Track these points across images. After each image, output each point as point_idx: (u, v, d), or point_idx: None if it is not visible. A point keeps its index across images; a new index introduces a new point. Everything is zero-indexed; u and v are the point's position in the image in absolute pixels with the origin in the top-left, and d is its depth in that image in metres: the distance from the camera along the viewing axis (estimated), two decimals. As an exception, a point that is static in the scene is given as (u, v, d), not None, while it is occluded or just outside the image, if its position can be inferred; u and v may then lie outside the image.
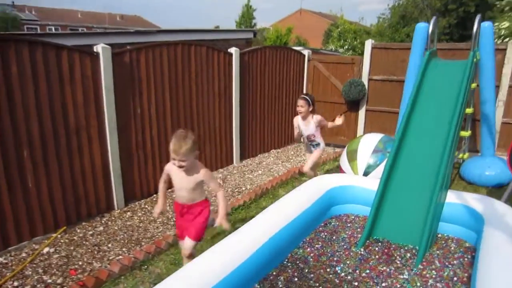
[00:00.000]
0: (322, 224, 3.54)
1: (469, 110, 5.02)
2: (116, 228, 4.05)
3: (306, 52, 7.79)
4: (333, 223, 3.58)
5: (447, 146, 3.52)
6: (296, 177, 5.53)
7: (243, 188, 5.21)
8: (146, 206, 4.61)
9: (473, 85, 4.94)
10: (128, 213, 4.43)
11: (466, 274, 2.73)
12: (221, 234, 3.87)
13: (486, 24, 5.01)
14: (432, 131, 3.82)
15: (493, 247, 2.56)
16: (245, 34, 8.40)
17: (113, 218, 4.30)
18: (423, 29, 5.40)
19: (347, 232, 3.41)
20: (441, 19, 18.74)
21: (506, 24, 10.36)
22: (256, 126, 6.73)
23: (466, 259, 2.95)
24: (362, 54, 7.47)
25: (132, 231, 3.99)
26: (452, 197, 3.42)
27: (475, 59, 4.44)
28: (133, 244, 3.72)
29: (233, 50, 5.83)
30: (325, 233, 3.37)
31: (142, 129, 4.68)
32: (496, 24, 10.98)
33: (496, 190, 5.14)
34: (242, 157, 6.45)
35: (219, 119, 5.84)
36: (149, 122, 4.75)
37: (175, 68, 4.96)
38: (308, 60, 7.82)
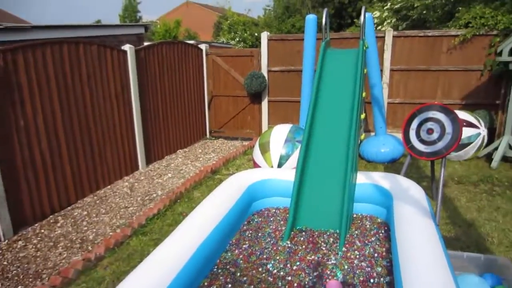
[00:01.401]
0: (246, 222, 3.47)
1: (363, 94, 5.43)
2: (5, 263, 3.41)
3: (203, 47, 7.63)
4: (256, 220, 3.53)
5: (352, 130, 3.69)
6: (209, 177, 5.40)
7: (154, 195, 4.90)
8: (42, 231, 4.01)
9: (365, 71, 5.34)
10: (20, 242, 3.78)
11: (384, 249, 2.91)
12: (139, 251, 3.58)
13: (367, 15, 5.43)
14: (337, 117, 3.98)
15: (405, 220, 2.77)
16: (136, 29, 7.85)
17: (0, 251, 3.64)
18: (312, 20, 5.66)
19: (271, 226, 3.40)
20: (320, 9, 20.07)
21: (377, 13, 11.48)
22: (160, 126, 6.38)
23: (381, 234, 3.15)
24: (253, 46, 7.61)
25: (27, 263, 3.40)
26: (361, 178, 3.63)
27: (364, 47, 4.78)
28: (31, 279, 3.18)
29: (127, 47, 5.39)
30: (250, 231, 3.31)
31: (28, 143, 4.06)
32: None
33: (391, 165, 5.70)
34: (148, 161, 6.07)
35: (119, 122, 5.38)
36: (37, 135, 4.14)
37: (62, 70, 4.40)
38: (206, 54, 7.67)
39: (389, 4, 10.88)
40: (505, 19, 6.07)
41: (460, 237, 3.60)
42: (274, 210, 3.70)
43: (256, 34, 18.83)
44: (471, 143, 5.64)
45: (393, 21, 10.48)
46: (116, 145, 5.36)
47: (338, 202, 3.33)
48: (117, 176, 5.42)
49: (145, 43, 7.41)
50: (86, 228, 4.11)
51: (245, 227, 3.38)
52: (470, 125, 5.64)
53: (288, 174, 3.78)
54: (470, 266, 3.03)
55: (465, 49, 6.55)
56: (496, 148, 5.65)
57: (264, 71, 7.40)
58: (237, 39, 21.47)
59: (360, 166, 5.68)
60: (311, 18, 5.68)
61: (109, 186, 5.26)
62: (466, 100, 6.72)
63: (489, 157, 5.78)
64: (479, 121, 5.76)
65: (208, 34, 29.17)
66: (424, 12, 8.57)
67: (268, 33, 7.46)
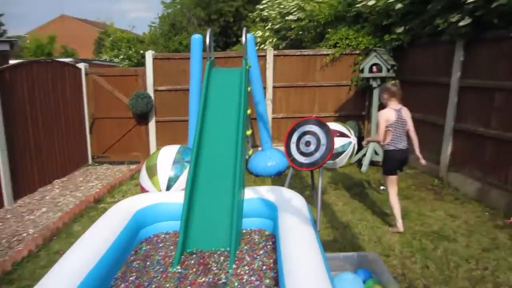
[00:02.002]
0: (133, 252, 3.29)
1: (248, 111, 5.62)
2: None
3: (82, 66, 7.12)
4: (144, 248, 3.37)
5: (238, 147, 3.80)
6: (92, 207, 4.99)
7: (24, 234, 4.30)
8: None
9: (249, 89, 5.56)
10: None
11: (271, 260, 3.02)
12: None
13: (248, 35, 5.70)
14: (224, 135, 4.05)
15: (288, 230, 2.92)
16: (-2, 46, 6.98)
17: None
18: (198, 40, 5.72)
19: (160, 253, 3.27)
20: (206, 27, 20.42)
21: (259, 33, 12.14)
22: (31, 155, 5.72)
23: (268, 246, 3.26)
24: (139, 63, 7.41)
25: None
26: (248, 193, 3.74)
27: (247, 66, 4.98)
28: None
29: (-15, 68, 4.76)
30: (138, 262, 3.13)
31: None
32: (252, 33, 12.73)
33: (278, 177, 5.99)
34: (17, 195, 5.35)
35: (-23, 154, 4.68)
36: None
37: None
38: (86, 74, 7.17)
39: (270, 24, 11.59)
40: (365, 40, 6.94)
41: (338, 239, 3.94)
42: (163, 236, 3.58)
43: (142, 51, 18.30)
44: (345, 151, 6.27)
45: (274, 40, 11.17)
46: (-25, 180, 4.65)
47: (228, 220, 3.36)
48: (-22, 216, 4.68)
49: (12, 61, 6.63)
50: None
51: (132, 257, 3.19)
52: (343, 135, 6.27)
53: (176, 197, 3.70)
54: (346, 264, 3.31)
55: (335, 67, 7.28)
56: (364, 155, 6.37)
57: (150, 90, 7.21)
58: (122, 57, 20.59)
59: (249, 181, 5.85)
60: (196, 38, 5.73)
61: (-35, 230, 4.51)
62: (339, 112, 7.45)
63: (360, 163, 6.46)
64: (349, 131, 6.44)
65: (89, 51, 27.41)
66: (300, 33, 9.30)
67: (153, 52, 7.31)
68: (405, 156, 3.97)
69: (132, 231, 3.35)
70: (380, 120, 3.87)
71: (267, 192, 3.69)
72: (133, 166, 7.10)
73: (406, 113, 3.89)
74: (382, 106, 6.65)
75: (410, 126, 3.93)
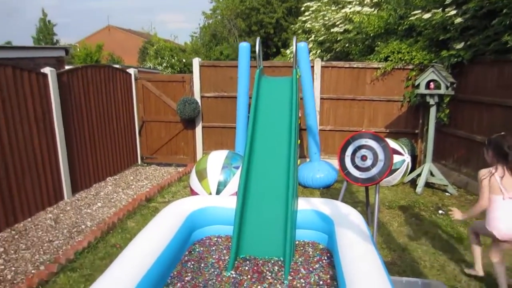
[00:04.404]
0: (187, 253, 3.30)
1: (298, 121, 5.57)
2: None
3: (132, 71, 7.36)
4: (197, 250, 3.37)
5: (291, 156, 3.71)
6: (144, 205, 5.09)
7: (83, 226, 4.49)
8: None
9: (300, 95, 5.52)
10: None
11: (328, 276, 2.92)
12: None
13: (302, 44, 5.64)
14: (275, 143, 3.99)
15: (348, 247, 2.82)
16: (55, 52, 7.35)
17: None
18: (245, 48, 5.75)
19: (214, 256, 3.26)
20: (247, 38, 20.70)
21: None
22: (87, 153, 5.95)
23: (324, 261, 3.17)
24: (181, 71, 7.53)
25: None
26: (302, 204, 3.66)
27: (297, 75, 4.93)
28: None
29: (47, 70, 5.01)
30: (192, 262, 3.14)
31: None
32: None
33: (326, 190, 5.85)
34: (75, 189, 5.59)
35: (40, 149, 4.92)
36: None
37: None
38: (135, 79, 7.40)
39: (313, 36, 11.54)
40: (419, 55, 6.73)
41: (396, 261, 3.72)
42: (216, 239, 3.57)
43: (184, 60, 18.74)
44: (398, 169, 6.02)
45: (318, 52, 11.10)
46: (37, 173, 4.87)
47: (281, 229, 3.30)
48: (39, 207, 4.89)
49: (66, 67, 6.94)
50: (3, 266, 3.62)
51: (186, 257, 3.20)
52: (396, 152, 6.03)
53: (228, 201, 3.70)
54: (408, 290, 3.14)
55: (386, 81, 7.10)
56: (419, 175, 6.04)
57: (197, 96, 7.33)
58: (165, 65, 21.21)
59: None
60: (244, 45, 5.76)
61: (29, 219, 4.73)
62: (389, 128, 7.23)
63: (413, 183, 6.14)
64: (403, 149, 6.20)
65: (133, 59, 28.44)
66: (347, 45, 9.20)
67: (200, 59, 7.43)
68: None
69: (186, 232, 3.36)
70: None
71: (321, 204, 3.60)
72: (180, 169, 7.23)
73: None
74: (438, 125, 6.40)
75: None
